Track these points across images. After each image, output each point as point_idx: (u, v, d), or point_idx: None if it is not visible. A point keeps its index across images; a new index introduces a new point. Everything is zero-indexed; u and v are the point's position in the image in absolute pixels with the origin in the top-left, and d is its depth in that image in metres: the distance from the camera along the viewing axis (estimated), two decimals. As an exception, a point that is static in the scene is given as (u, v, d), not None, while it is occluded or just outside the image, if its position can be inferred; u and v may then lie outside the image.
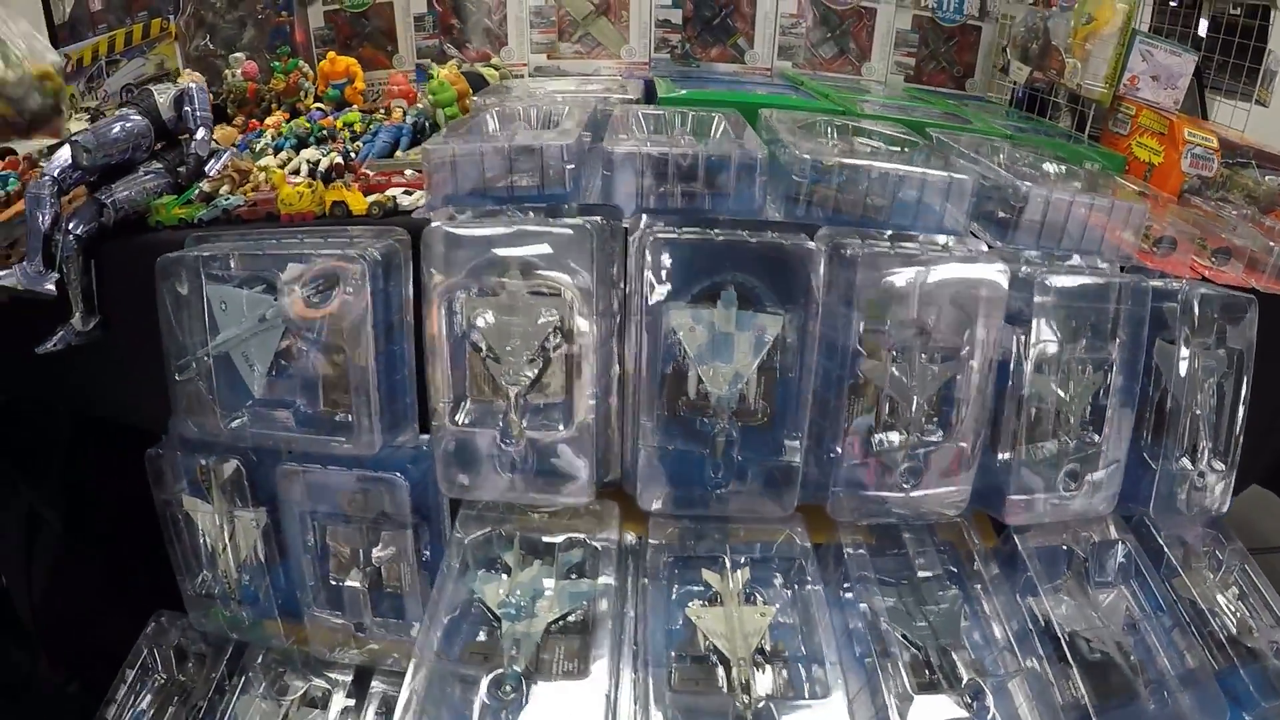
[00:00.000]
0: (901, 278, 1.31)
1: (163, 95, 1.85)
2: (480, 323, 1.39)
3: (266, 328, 1.51)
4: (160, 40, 3.05)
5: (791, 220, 1.41)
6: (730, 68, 2.85)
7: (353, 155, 2.00)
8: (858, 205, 1.40)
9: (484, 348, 1.36)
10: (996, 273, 1.34)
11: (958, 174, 1.44)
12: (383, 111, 2.52)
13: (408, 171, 1.69)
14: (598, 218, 1.37)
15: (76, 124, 2.85)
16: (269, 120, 2.66)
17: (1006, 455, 1.39)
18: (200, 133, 1.91)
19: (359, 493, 1.43)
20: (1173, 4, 2.54)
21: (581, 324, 1.32)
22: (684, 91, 2.11)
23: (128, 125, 1.74)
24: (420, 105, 2.34)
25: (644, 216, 1.38)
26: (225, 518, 1.53)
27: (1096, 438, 1.43)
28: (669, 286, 1.33)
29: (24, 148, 2.34)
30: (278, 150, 2.12)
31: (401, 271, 1.48)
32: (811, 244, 1.32)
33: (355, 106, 2.76)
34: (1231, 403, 1.51)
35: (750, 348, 1.27)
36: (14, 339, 1.68)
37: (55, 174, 1.69)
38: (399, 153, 2.02)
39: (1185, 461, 1.48)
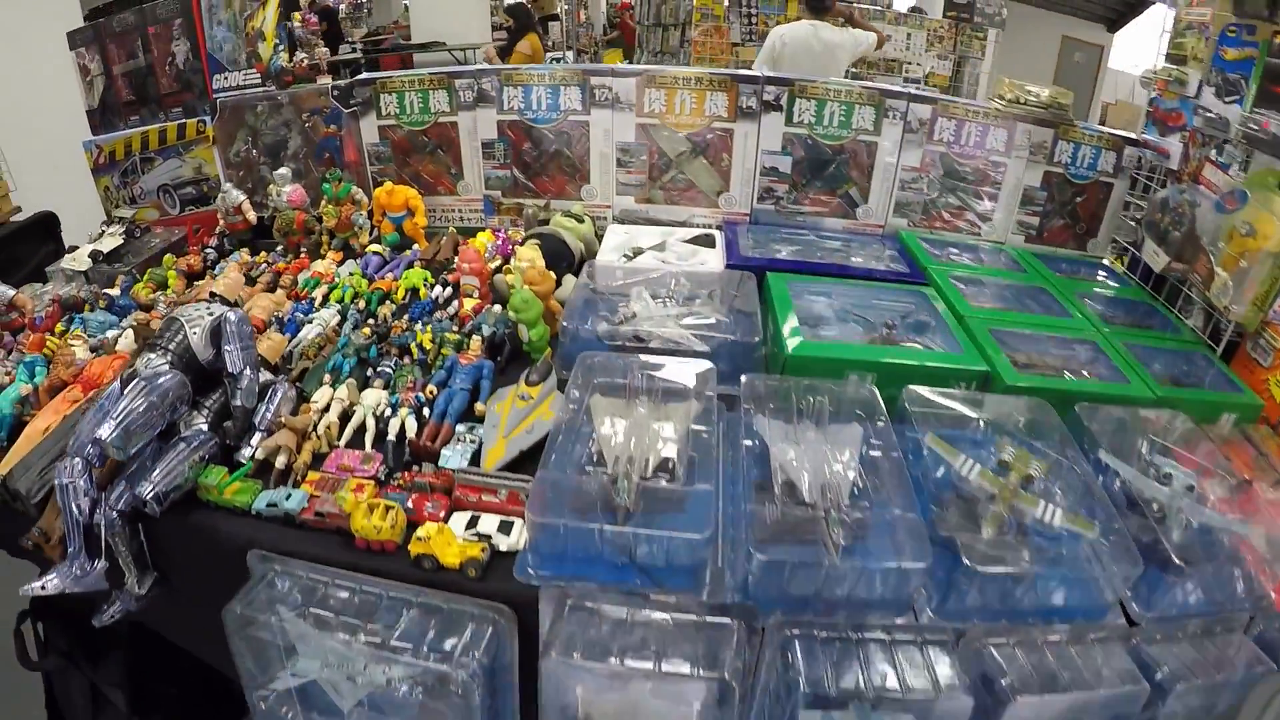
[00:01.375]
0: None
1: (195, 329, 1.59)
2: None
3: (358, 678, 1.28)
4: (198, 143, 2.75)
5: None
6: (839, 224, 2.53)
7: (425, 403, 1.73)
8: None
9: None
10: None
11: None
12: (447, 292, 2.23)
13: (501, 491, 1.42)
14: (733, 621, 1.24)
15: (109, 240, 2.59)
16: (320, 267, 2.37)
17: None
18: (244, 378, 1.59)
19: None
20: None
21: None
22: (806, 338, 1.77)
23: (156, 394, 1.46)
24: (497, 310, 2.02)
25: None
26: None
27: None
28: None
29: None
30: (336, 377, 1.82)
31: (508, 654, 1.23)
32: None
33: (418, 252, 2.47)
34: None
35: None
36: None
37: (85, 455, 1.43)
38: (480, 404, 1.72)
39: None
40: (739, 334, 1.82)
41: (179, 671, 2.02)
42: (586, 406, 1.54)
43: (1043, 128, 2.38)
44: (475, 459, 1.58)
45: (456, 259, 2.22)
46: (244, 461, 1.56)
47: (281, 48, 2.67)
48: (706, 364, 1.65)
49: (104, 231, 2.62)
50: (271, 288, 2.29)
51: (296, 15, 7.30)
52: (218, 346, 1.62)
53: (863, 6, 8.35)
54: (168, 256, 2.49)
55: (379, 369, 1.84)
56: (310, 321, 2.07)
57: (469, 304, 2.08)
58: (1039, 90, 2.41)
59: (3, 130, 3.29)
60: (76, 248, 2.48)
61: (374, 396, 1.73)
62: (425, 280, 2.28)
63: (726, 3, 8.10)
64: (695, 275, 2.14)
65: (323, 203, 2.55)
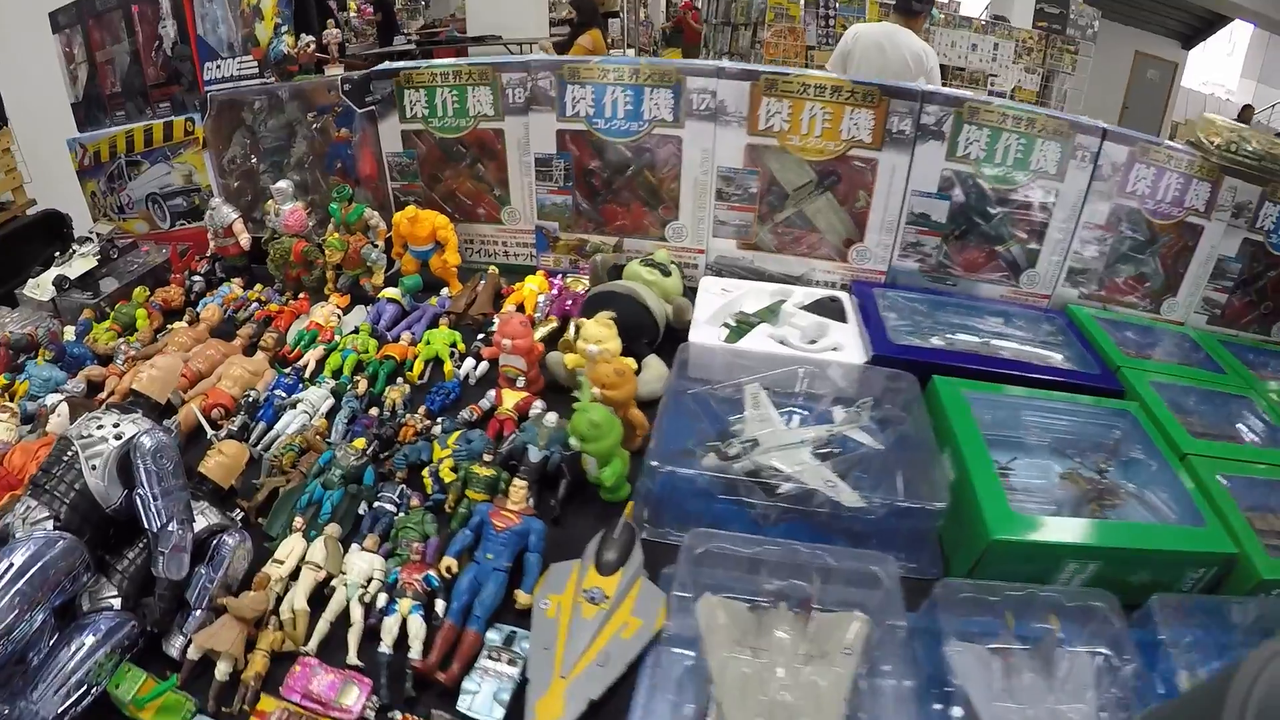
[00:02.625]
0: None
1: (94, 462, 1.07)
2: None
3: None
4: (187, 145, 2.19)
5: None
6: (996, 291, 1.88)
7: (439, 587, 1.13)
8: None
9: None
10: None
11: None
12: (479, 370, 1.63)
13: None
14: None
15: (81, 261, 2.03)
16: (319, 316, 1.79)
17: None
18: (169, 537, 1.06)
19: None
20: None
21: None
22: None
23: (30, 581, 0.97)
24: (553, 422, 1.39)
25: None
26: None
27: None
28: None
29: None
30: (312, 518, 1.24)
31: None
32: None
33: (448, 300, 1.87)
34: None
35: None
36: None
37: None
38: (523, 594, 1.12)
39: None
40: (914, 495, 1.22)
41: None
42: (696, 631, 0.93)
43: (1250, 184, 1.78)
44: (516, 701, 1.00)
45: (496, 323, 1.61)
46: (172, 656, 1.08)
47: (285, 29, 2.09)
48: (881, 560, 1.04)
49: (74, 250, 2.08)
50: (253, 345, 1.73)
51: (352, 4, 6.90)
52: (124, 481, 1.07)
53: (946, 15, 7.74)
54: (139, 289, 1.95)
55: (375, 503, 1.28)
56: (293, 405, 1.50)
57: (510, 400, 1.46)
58: (1248, 135, 1.77)
59: (19, 116, 2.79)
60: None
61: (363, 566, 1.16)
62: (453, 347, 1.68)
63: (803, 3, 7.49)
64: (829, 370, 1.51)
65: (329, 228, 1.96)
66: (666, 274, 1.72)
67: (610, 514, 1.28)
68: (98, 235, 2.21)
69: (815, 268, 1.90)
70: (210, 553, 1.11)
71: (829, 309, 1.76)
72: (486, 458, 1.28)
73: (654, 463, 1.18)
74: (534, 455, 1.28)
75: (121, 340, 1.77)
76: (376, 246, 1.93)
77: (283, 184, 1.96)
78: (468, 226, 2.05)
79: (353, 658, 1.05)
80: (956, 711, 0.97)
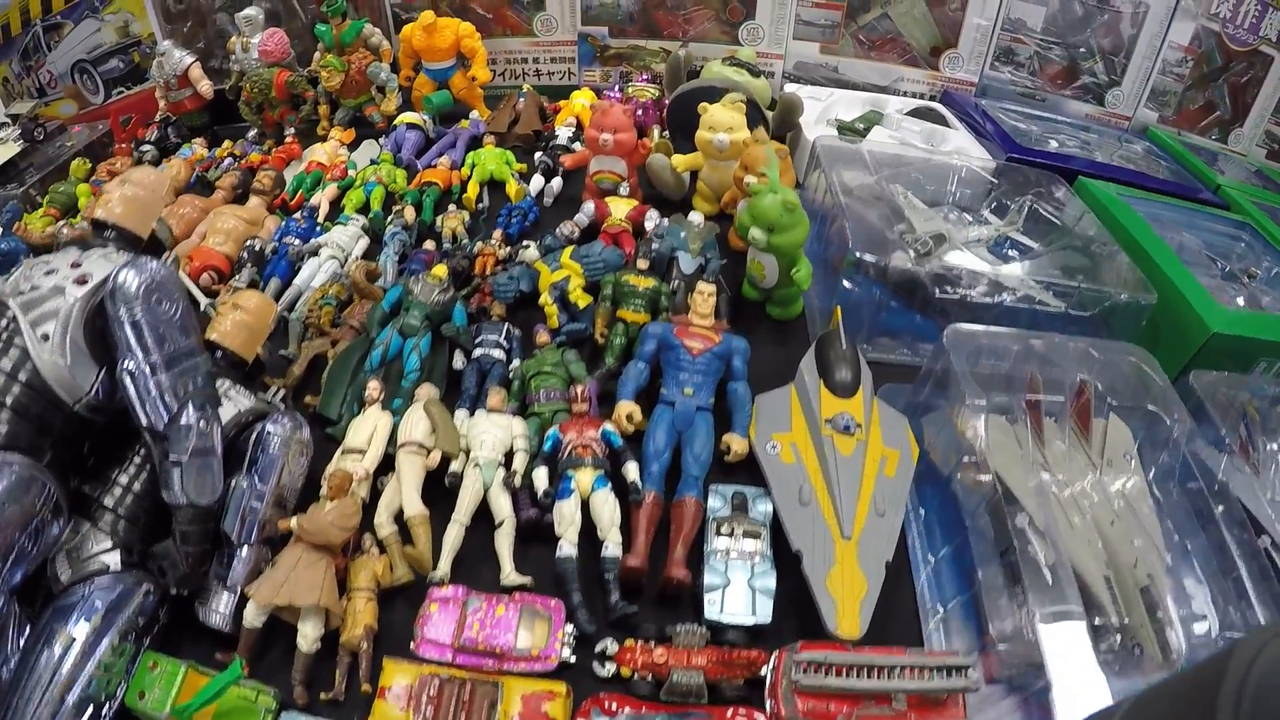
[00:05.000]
0: None
1: (44, 325, 0.69)
2: None
3: None
4: None
5: None
6: (1081, 110, 1.73)
7: (620, 446, 0.83)
8: None
9: None
10: None
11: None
12: (555, 185, 1.33)
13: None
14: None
15: (2, 149, 1.53)
16: (320, 154, 1.44)
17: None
18: (186, 429, 0.69)
19: None
20: None
21: None
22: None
23: None
24: (698, 224, 1.11)
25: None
26: None
27: None
28: None
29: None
30: (395, 377, 0.93)
31: None
32: None
33: (481, 123, 1.53)
34: None
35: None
36: None
37: None
38: (741, 432, 0.87)
39: None
40: (1125, 288, 1.07)
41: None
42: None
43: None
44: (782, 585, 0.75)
45: (555, 138, 1.32)
46: (218, 627, 0.72)
47: None
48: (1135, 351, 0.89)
49: (-10, 138, 1.59)
50: (240, 197, 1.35)
51: None
52: (107, 360, 0.69)
53: None
54: (77, 162, 1.49)
55: (477, 351, 0.97)
56: (314, 252, 1.16)
57: (620, 208, 1.18)
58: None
59: None
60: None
61: (496, 434, 0.84)
62: (509, 165, 1.37)
63: None
64: (966, 172, 1.30)
65: (318, 53, 1.58)
66: (756, 75, 1.44)
67: (784, 335, 1.06)
68: (12, 117, 1.70)
69: (903, 76, 1.68)
70: (249, 455, 0.75)
71: (930, 118, 1.55)
72: (641, 264, 0.98)
73: (859, 253, 0.94)
74: (687, 264, 1.01)
75: (63, 223, 1.31)
76: (384, 65, 1.56)
77: (250, 10, 1.54)
78: (489, 43, 1.69)
79: (511, 574, 0.74)
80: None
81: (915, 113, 1.56)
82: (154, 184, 0.81)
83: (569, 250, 1.06)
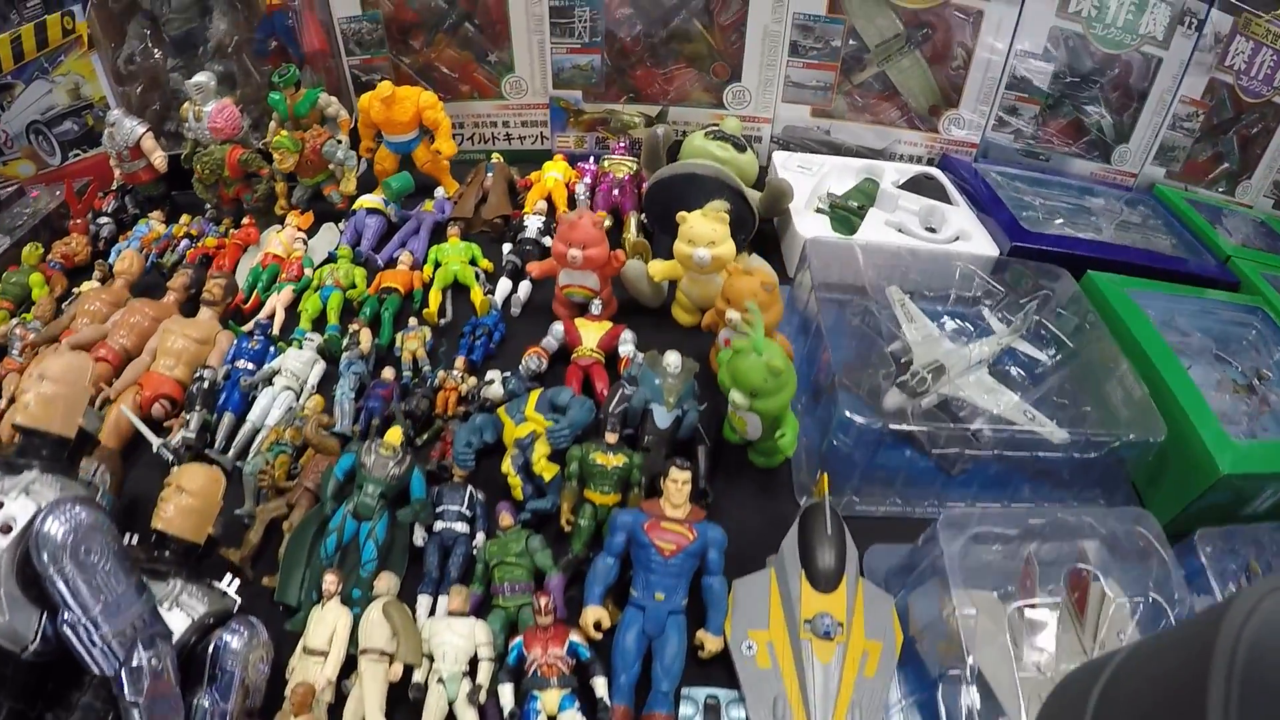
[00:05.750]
0: None
1: None
2: None
3: None
4: (69, 49, 1.57)
5: None
6: (1086, 168, 1.64)
7: (589, 659, 0.77)
8: None
9: None
10: None
11: None
12: (520, 294, 1.23)
13: None
14: None
15: None
16: (275, 244, 1.34)
17: None
18: (138, 671, 0.65)
19: None
20: None
21: None
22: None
23: None
24: (674, 365, 0.97)
25: None
26: None
27: None
28: None
29: None
30: (352, 564, 0.85)
31: None
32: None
33: (446, 203, 1.44)
34: None
35: None
36: None
37: None
38: (715, 631, 0.80)
39: None
40: (1109, 418, 1.01)
41: None
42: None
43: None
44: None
45: (525, 227, 1.24)
46: None
47: None
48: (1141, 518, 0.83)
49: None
50: (194, 296, 1.25)
51: None
52: (47, 604, 0.64)
53: None
54: (30, 247, 1.39)
55: (438, 525, 0.90)
56: (269, 380, 1.08)
57: (590, 334, 1.09)
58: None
59: None
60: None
61: (458, 643, 0.77)
62: (475, 265, 1.29)
63: None
64: (960, 262, 1.22)
65: (271, 125, 1.48)
66: (741, 149, 1.34)
67: (769, 485, 0.98)
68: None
69: (900, 139, 1.57)
70: (209, 670, 0.70)
71: (928, 188, 1.45)
72: (609, 438, 0.90)
73: (848, 414, 0.86)
74: (662, 418, 0.92)
75: (16, 322, 1.22)
76: (341, 142, 1.45)
77: (201, 77, 1.43)
78: (454, 106, 1.59)
79: None
80: None
81: (913, 181, 1.46)
82: (74, 377, 0.78)
83: (534, 397, 0.97)
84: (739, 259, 1.09)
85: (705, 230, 1.03)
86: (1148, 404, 1.01)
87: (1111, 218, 1.53)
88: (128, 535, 0.81)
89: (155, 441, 0.98)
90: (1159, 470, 1.04)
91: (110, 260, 1.36)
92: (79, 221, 1.49)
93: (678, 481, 0.82)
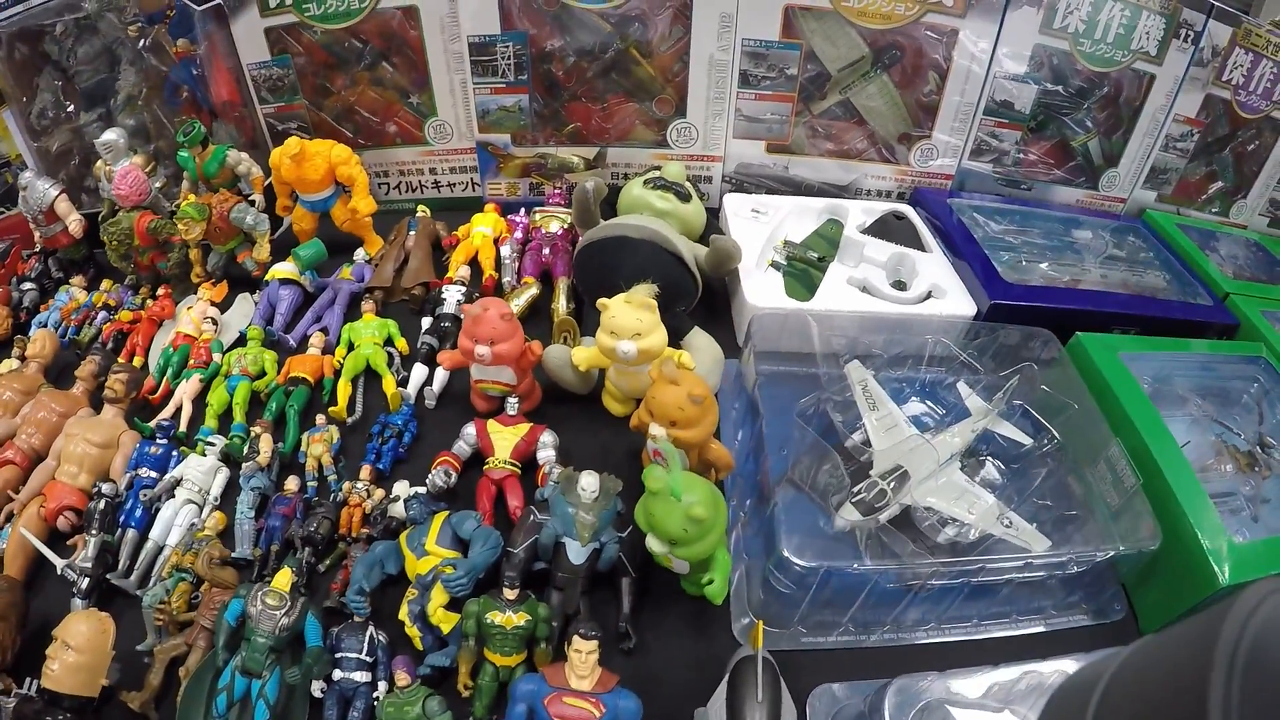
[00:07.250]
0: None
1: None
2: None
3: None
4: None
5: None
6: (1071, 195, 1.51)
7: None
8: None
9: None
10: None
11: None
12: (437, 384, 1.10)
13: None
14: None
15: None
16: (186, 324, 1.22)
17: None
18: None
19: None
20: None
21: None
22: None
23: None
24: (589, 489, 0.83)
25: None
26: None
27: None
28: None
29: None
30: None
31: None
32: None
33: (365, 268, 1.32)
34: None
35: None
36: None
37: None
38: None
39: None
40: (1125, 540, 0.88)
41: None
42: None
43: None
44: None
45: (444, 297, 1.12)
46: None
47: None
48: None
49: None
50: (101, 384, 1.13)
51: None
52: None
53: None
54: None
55: (337, 675, 0.80)
56: (171, 491, 0.99)
57: (503, 442, 0.96)
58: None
59: None
60: None
61: None
62: (390, 347, 1.16)
63: None
64: (932, 329, 1.09)
65: (184, 187, 1.36)
66: (685, 199, 1.20)
67: (703, 615, 0.85)
68: None
69: (865, 174, 1.42)
70: None
71: (897, 230, 1.31)
72: (509, 594, 0.77)
73: (798, 562, 0.73)
74: (576, 554, 0.79)
75: None
76: (253, 204, 1.32)
77: (109, 135, 1.31)
78: (377, 154, 1.46)
79: None
80: None
81: (881, 222, 1.31)
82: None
83: (437, 525, 0.85)
84: (672, 351, 0.95)
85: (629, 321, 0.90)
86: (1141, 502, 0.89)
87: (1099, 254, 1.40)
88: (27, 682, 0.78)
89: (59, 564, 0.91)
90: (1151, 571, 0.92)
91: (29, 334, 1.24)
92: (0, 289, 1.38)
93: (582, 652, 0.70)
